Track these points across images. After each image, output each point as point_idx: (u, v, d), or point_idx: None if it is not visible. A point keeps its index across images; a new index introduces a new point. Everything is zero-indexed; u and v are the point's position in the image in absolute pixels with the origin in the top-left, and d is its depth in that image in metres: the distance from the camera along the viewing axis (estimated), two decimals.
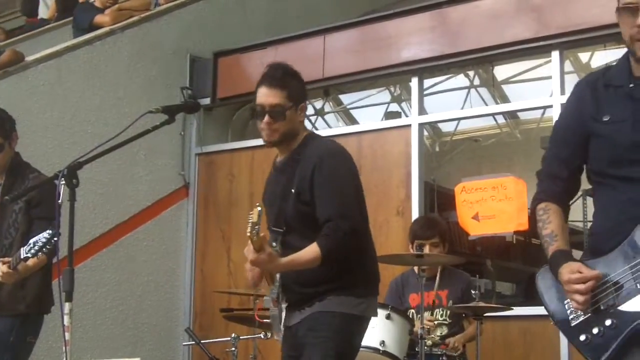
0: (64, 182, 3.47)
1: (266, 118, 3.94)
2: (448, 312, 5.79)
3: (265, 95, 3.96)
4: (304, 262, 3.78)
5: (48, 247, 4.42)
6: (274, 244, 3.90)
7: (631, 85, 3.01)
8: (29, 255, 4.45)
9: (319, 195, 3.86)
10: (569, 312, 2.96)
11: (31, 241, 4.44)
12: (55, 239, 4.40)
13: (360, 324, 3.97)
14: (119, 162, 7.75)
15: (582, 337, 2.89)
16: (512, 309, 5.96)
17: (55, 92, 7.60)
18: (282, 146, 4.05)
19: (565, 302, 2.98)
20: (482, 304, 5.41)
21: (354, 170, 4.05)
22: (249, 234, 3.56)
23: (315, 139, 4.12)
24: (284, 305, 4.00)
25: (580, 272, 2.89)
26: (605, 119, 3.00)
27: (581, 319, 2.92)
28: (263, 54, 8.26)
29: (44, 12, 11.52)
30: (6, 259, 4.63)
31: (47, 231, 4.44)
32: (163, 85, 8.30)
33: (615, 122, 2.99)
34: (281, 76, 4.01)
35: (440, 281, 5.83)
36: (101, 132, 7.39)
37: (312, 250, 3.76)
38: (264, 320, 5.60)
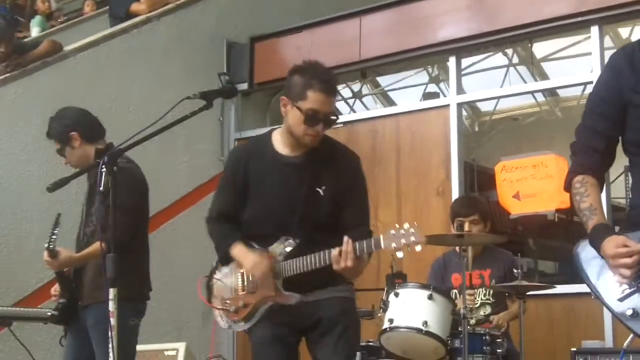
0: (104, 169, 3.49)
1: (320, 126, 3.96)
2: (491, 291, 5.76)
3: (323, 103, 3.94)
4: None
5: (53, 236, 4.61)
6: (291, 241, 4.01)
7: None
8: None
9: (356, 203, 4.09)
10: (612, 286, 2.91)
11: None
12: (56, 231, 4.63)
13: None
14: (158, 149, 7.78)
15: (629, 311, 2.85)
16: (555, 287, 5.92)
17: (94, 81, 7.66)
18: None
19: (608, 275, 2.93)
20: (524, 282, 5.38)
21: None
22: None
23: (327, 137, 4.15)
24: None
25: (626, 246, 2.86)
26: None
27: (626, 292, 2.87)
28: (299, 38, 8.27)
29: None
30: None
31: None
32: (200, 72, 8.30)
33: None
34: (334, 82, 4.05)
35: (482, 261, 5.80)
36: (140, 119, 7.43)
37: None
38: None
